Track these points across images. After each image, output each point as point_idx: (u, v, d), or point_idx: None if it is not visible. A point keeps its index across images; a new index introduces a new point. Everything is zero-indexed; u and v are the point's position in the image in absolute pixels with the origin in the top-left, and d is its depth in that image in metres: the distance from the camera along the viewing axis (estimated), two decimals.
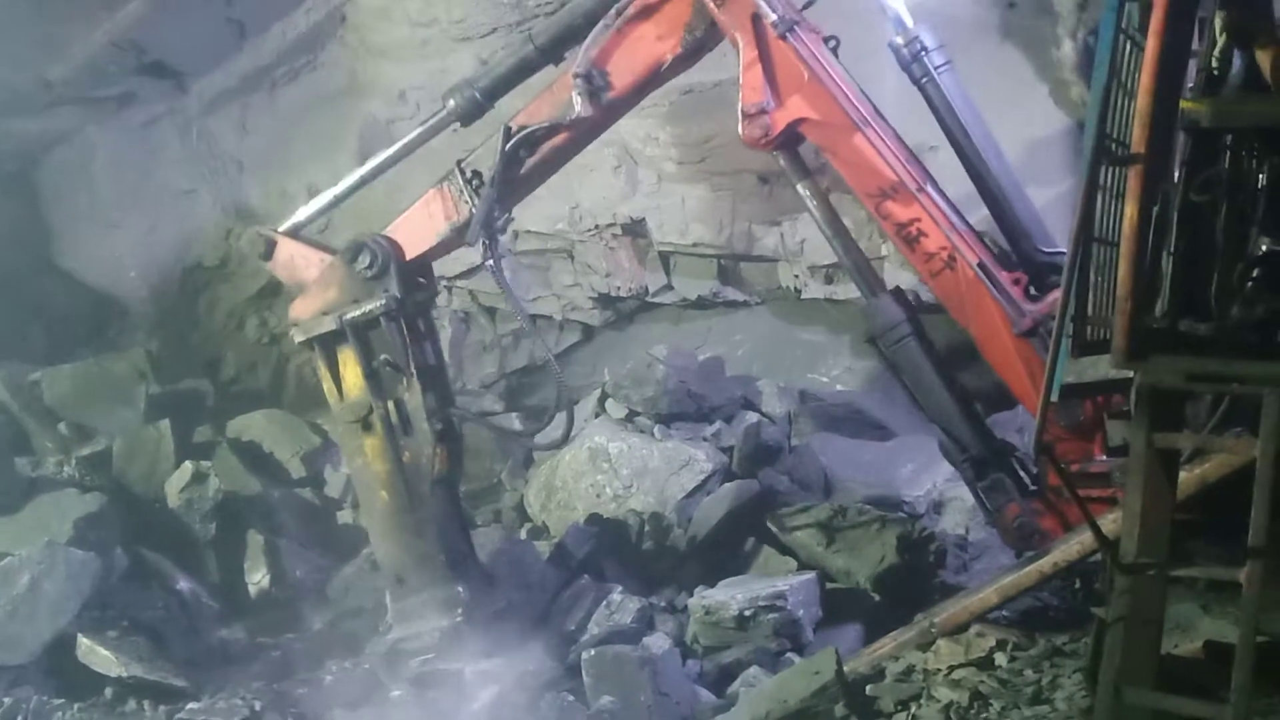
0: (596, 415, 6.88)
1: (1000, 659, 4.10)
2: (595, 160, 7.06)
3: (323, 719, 5.02)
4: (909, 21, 4.80)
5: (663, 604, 5.67)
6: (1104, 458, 4.38)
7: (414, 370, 4.88)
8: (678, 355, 7.13)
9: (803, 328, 7.76)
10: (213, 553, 6.18)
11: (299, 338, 5.07)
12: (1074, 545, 4.15)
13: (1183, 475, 3.39)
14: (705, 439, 6.70)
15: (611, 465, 6.44)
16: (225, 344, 8.24)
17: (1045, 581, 4.32)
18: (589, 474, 6.45)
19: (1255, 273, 3.01)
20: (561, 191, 7.15)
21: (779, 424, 7.04)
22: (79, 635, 5.21)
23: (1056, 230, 4.73)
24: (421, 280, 5.13)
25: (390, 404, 4.92)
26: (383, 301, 4.86)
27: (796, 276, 7.15)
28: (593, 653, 5.04)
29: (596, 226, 7.29)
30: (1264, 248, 3.00)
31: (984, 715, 3.77)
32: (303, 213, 5.26)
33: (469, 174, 4.87)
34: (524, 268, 7.64)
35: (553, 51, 4.82)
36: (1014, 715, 3.72)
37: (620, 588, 5.67)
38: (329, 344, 4.99)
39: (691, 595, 5.58)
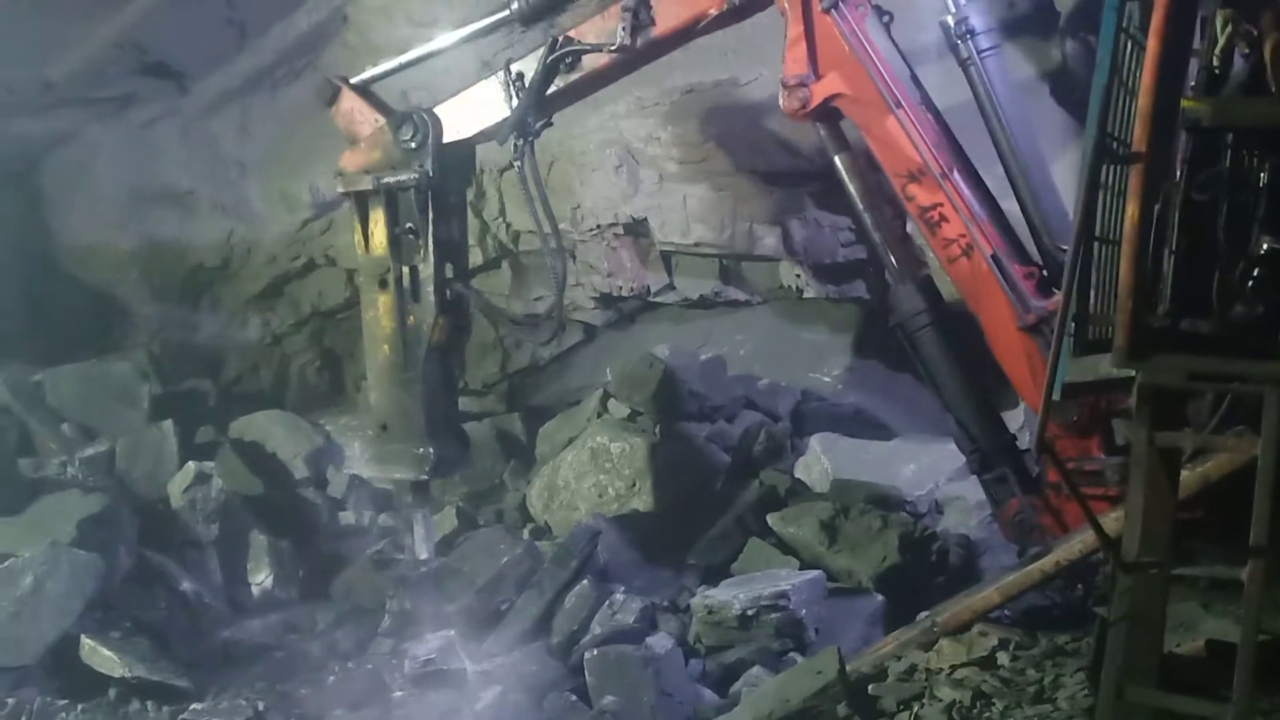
0: (599, 415, 6.87)
1: (1003, 658, 4.10)
2: (597, 160, 7.06)
3: (326, 719, 5.02)
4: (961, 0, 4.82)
5: (665, 604, 5.66)
6: (1101, 456, 4.39)
7: (431, 243, 5.22)
8: (679, 355, 7.14)
9: (805, 327, 7.75)
10: (216, 553, 6.17)
11: (340, 188, 5.49)
12: (1076, 544, 4.15)
13: (1184, 474, 3.40)
14: (707, 439, 6.70)
15: (614, 465, 6.44)
16: (227, 345, 8.24)
17: (1047, 581, 4.32)
18: (591, 474, 6.45)
19: (1256, 271, 3.02)
20: (563, 191, 7.15)
21: (781, 423, 7.05)
22: (82, 636, 5.21)
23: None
24: (459, 165, 5.44)
25: (406, 269, 5.29)
26: (415, 174, 5.19)
27: (798, 276, 7.15)
28: (595, 652, 5.05)
29: (598, 226, 7.28)
30: (1265, 246, 3.00)
31: (986, 714, 3.77)
32: (371, 70, 5.54)
33: (514, 74, 5.11)
34: (527, 268, 7.65)
35: None
36: (1016, 714, 3.72)
37: (623, 587, 5.67)
38: (364, 200, 5.36)
39: (694, 595, 5.59)
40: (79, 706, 5.00)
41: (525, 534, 6.39)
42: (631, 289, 7.52)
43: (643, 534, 6.21)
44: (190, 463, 6.33)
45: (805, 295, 7.22)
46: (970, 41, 4.80)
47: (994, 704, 3.80)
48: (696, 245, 7.14)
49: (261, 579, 6.21)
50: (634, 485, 6.35)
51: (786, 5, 4.71)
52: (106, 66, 7.21)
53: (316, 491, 6.91)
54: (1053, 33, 6.07)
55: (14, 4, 6.55)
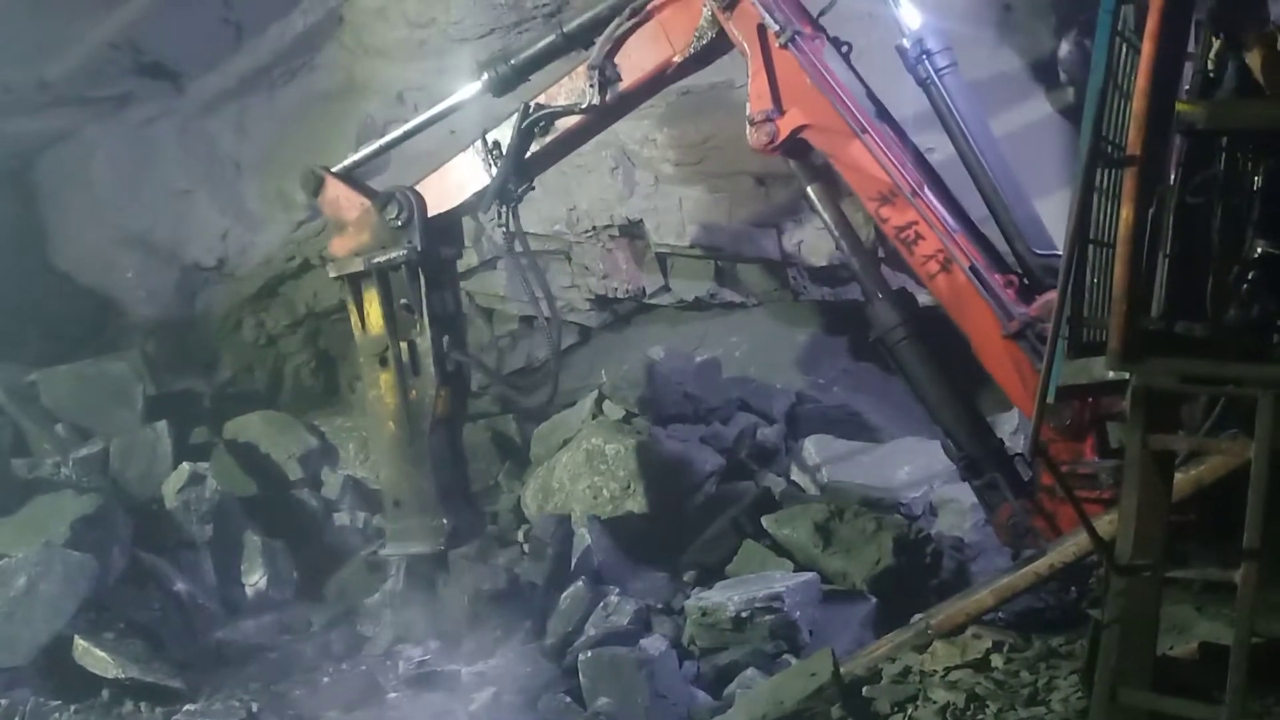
0: (594, 416, 6.88)
1: (996, 660, 4.10)
2: (593, 161, 7.06)
3: None
4: (913, 24, 4.88)
5: (660, 605, 5.67)
6: (1095, 459, 4.40)
7: (427, 316, 5.31)
8: (675, 357, 7.14)
9: (799, 329, 7.76)
10: (210, 554, 6.17)
11: (332, 273, 5.56)
12: (1070, 547, 4.15)
13: (1178, 477, 3.39)
14: (702, 440, 6.70)
15: (609, 467, 6.44)
16: (222, 345, 8.23)
17: (1041, 583, 4.33)
18: (586, 475, 6.45)
19: (1250, 275, 3.02)
20: (559, 193, 7.15)
21: (775, 425, 7.05)
22: (76, 637, 5.20)
23: (1054, 232, 4.76)
24: (447, 236, 5.52)
25: (404, 345, 5.39)
26: (404, 251, 5.29)
27: (794, 279, 7.15)
28: (590, 654, 5.05)
29: (594, 228, 7.29)
30: (1259, 250, 3.01)
31: (980, 717, 3.77)
32: (352, 158, 5.65)
33: (491, 144, 5.21)
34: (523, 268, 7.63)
35: (579, 39, 5.09)
36: (1010, 717, 3.72)
37: (617, 589, 5.67)
38: (357, 282, 5.48)
39: (688, 597, 5.59)
40: (72, 707, 5.00)
41: (520, 535, 6.39)
42: (627, 291, 7.53)
43: (637, 536, 6.21)
44: (184, 463, 6.33)
45: (800, 298, 7.23)
46: (927, 62, 4.86)
47: (988, 706, 3.80)
48: (692, 247, 7.15)
49: (255, 580, 6.21)
50: (628, 487, 6.35)
51: (745, 45, 4.77)
52: (103, 66, 7.20)
53: (310, 492, 6.92)
54: (1048, 39, 6.09)
55: (11, 3, 6.54)
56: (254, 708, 4.95)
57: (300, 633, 5.90)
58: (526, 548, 6.02)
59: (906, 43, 4.89)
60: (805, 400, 7.37)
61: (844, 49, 4.87)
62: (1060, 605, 4.73)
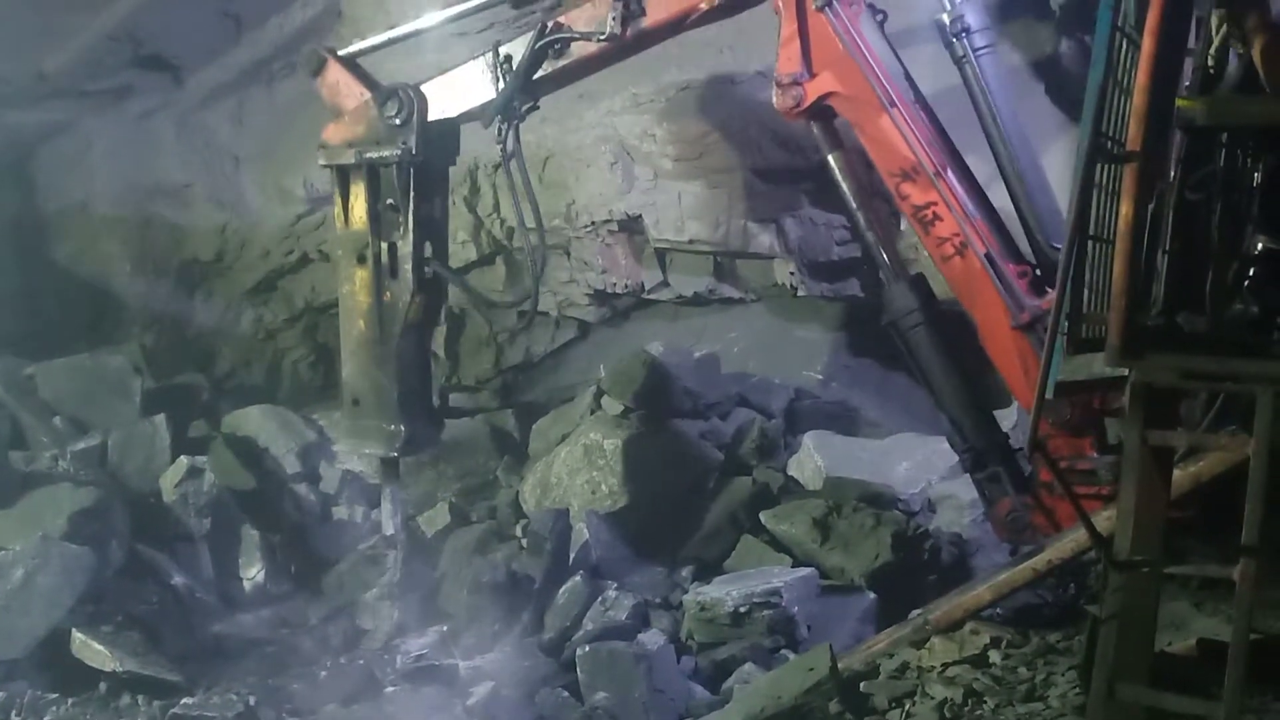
0: (592, 412, 6.87)
1: (994, 656, 4.11)
2: (591, 156, 7.05)
3: (317, 714, 5.02)
4: None
5: (658, 600, 5.67)
6: (1094, 454, 4.39)
7: (412, 220, 5.17)
8: (673, 352, 7.13)
9: (799, 325, 7.76)
10: (207, 547, 6.17)
11: (321, 161, 5.41)
12: (1068, 543, 4.15)
13: (1177, 473, 3.40)
14: (701, 436, 6.70)
15: (607, 462, 6.43)
16: (221, 338, 8.23)
17: (1039, 579, 4.33)
18: (584, 470, 6.44)
19: (1250, 271, 3.02)
20: (558, 187, 7.15)
21: (774, 421, 7.05)
22: (73, 630, 5.20)
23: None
24: (444, 143, 5.36)
25: (385, 245, 5.24)
26: (399, 151, 5.14)
27: (793, 274, 7.15)
28: (587, 649, 5.05)
29: (593, 223, 7.28)
30: (1259, 246, 3.01)
31: (978, 712, 3.77)
32: (359, 44, 5.52)
33: (502, 57, 5.11)
34: (520, 265, 7.64)
35: None
36: (1008, 712, 3.72)
37: (615, 584, 5.67)
38: (345, 174, 5.32)
39: (686, 592, 5.59)
40: (69, 700, 5.00)
41: (518, 530, 6.39)
42: (626, 286, 7.52)
43: (635, 531, 6.21)
44: (182, 457, 6.33)
45: (799, 293, 7.22)
46: (965, 39, 4.81)
47: (985, 702, 3.80)
48: (691, 242, 7.14)
49: (253, 573, 6.21)
50: (627, 482, 6.34)
51: (780, 3, 4.71)
52: (102, 58, 7.19)
53: (308, 486, 6.90)
54: (1048, 30, 6.08)
55: None
56: (251, 701, 4.94)
57: (298, 626, 5.90)
58: (524, 542, 6.02)
59: (946, 17, 4.84)
60: (804, 396, 7.37)
61: (878, 18, 4.75)
62: (1058, 601, 4.73)
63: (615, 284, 7.51)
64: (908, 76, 4.71)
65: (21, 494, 5.87)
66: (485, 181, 7.34)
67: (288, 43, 7.39)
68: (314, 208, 7.67)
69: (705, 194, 6.96)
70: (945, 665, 4.11)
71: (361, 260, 5.29)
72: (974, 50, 4.80)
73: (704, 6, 4.82)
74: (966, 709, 3.79)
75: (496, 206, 7.39)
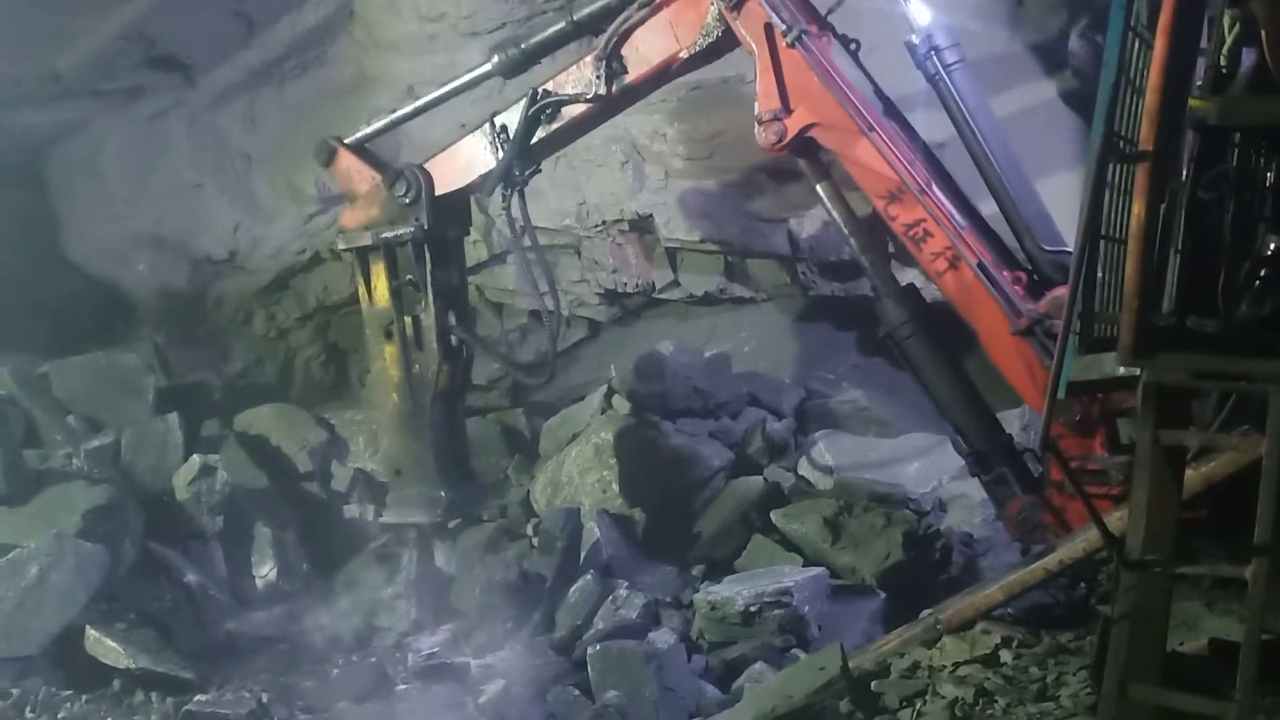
0: (603, 411, 6.88)
1: (1005, 656, 4.10)
2: (603, 156, 7.06)
3: (329, 711, 5.04)
4: (922, 20, 4.89)
5: (668, 599, 5.68)
6: (1105, 454, 4.39)
7: (431, 293, 5.43)
8: (684, 352, 7.14)
9: (809, 324, 7.75)
10: (220, 546, 6.19)
11: (341, 245, 5.70)
12: (1080, 543, 4.15)
13: (1189, 473, 3.39)
14: (711, 435, 6.70)
15: (617, 461, 6.44)
16: (233, 337, 8.26)
17: (1051, 579, 4.32)
18: (595, 469, 6.45)
19: (1262, 270, 3.01)
20: (569, 187, 7.16)
21: (785, 420, 7.05)
22: (87, 627, 5.23)
23: (1064, 227, 4.75)
24: (454, 215, 5.62)
25: (409, 319, 5.52)
26: (412, 228, 5.39)
27: (803, 273, 7.15)
28: (598, 648, 5.06)
29: (604, 222, 7.29)
30: (1271, 246, 3.00)
31: (989, 712, 3.77)
32: (364, 130, 5.72)
33: (499, 127, 5.30)
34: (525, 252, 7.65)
35: (588, 27, 5.16)
36: (1019, 712, 3.72)
37: (626, 583, 5.68)
38: (365, 255, 5.58)
39: (697, 591, 5.59)
40: (83, 697, 5.03)
41: (529, 529, 6.40)
42: (636, 285, 7.53)
43: (646, 530, 6.21)
44: (195, 455, 6.34)
45: (810, 293, 7.22)
46: (936, 58, 4.86)
47: (996, 701, 3.80)
48: (702, 242, 7.14)
49: (266, 571, 6.23)
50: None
51: (753, 44, 4.79)
52: (114, 58, 7.22)
53: (320, 485, 6.92)
54: (1061, 34, 6.07)
55: None
56: (264, 698, 4.97)
57: (310, 624, 5.91)
58: (535, 541, 6.03)
59: (916, 39, 4.90)
60: (814, 395, 7.37)
61: (852, 46, 4.88)
62: (1069, 601, 4.72)
63: (626, 283, 7.52)
64: (885, 98, 4.79)
65: (35, 492, 5.89)
66: None
67: (299, 43, 7.42)
68: (325, 207, 7.69)
69: (716, 193, 6.97)
70: (956, 665, 4.11)
71: (389, 336, 5.55)
72: (945, 67, 4.86)
73: (683, 55, 4.97)
74: (978, 708, 3.79)
75: (506, 206, 7.39)
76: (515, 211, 5.28)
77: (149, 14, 6.97)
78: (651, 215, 7.14)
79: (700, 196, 7.01)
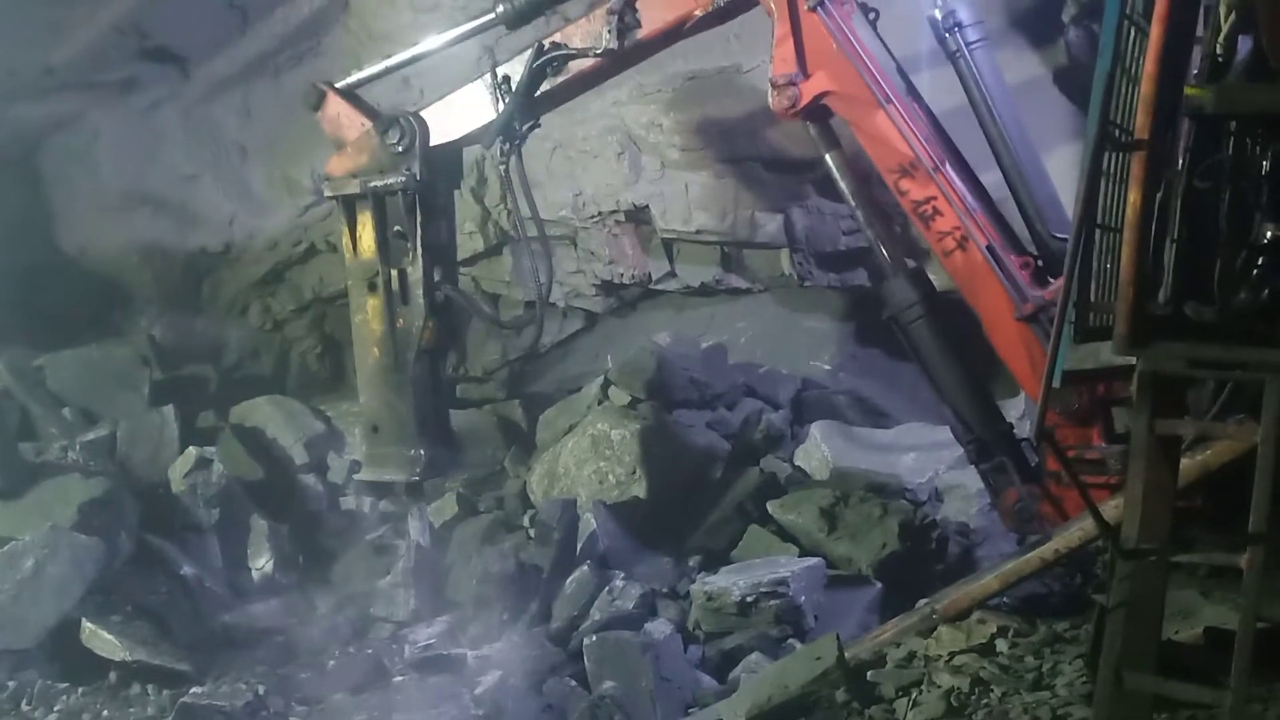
0: (599, 402, 6.88)
1: (1001, 645, 4.11)
2: (598, 147, 7.04)
3: (326, 703, 5.04)
4: None
5: (665, 590, 5.68)
6: (1101, 444, 4.39)
7: (420, 246, 5.24)
8: (681, 342, 7.14)
9: (806, 315, 7.75)
10: (216, 538, 6.19)
11: (327, 192, 5.48)
12: (1075, 532, 4.15)
13: (1184, 462, 3.40)
14: (708, 426, 6.70)
15: (614, 452, 6.44)
16: (229, 330, 8.24)
17: (1047, 568, 4.33)
18: (592, 461, 6.45)
19: (1258, 259, 3.01)
20: (565, 178, 7.14)
21: (781, 411, 7.05)
22: (83, 619, 5.23)
23: (1068, 213, 4.73)
24: (447, 167, 5.45)
25: (395, 272, 5.31)
26: (403, 178, 5.19)
27: (800, 264, 7.14)
28: (595, 638, 5.06)
29: (600, 213, 7.27)
30: (1267, 234, 3.00)
31: (985, 701, 3.77)
32: (356, 75, 5.54)
33: (501, 78, 5.14)
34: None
35: None
36: (1015, 701, 3.73)
37: (622, 574, 5.69)
38: (352, 204, 5.37)
39: (694, 581, 5.60)
40: (79, 689, 5.03)
41: (525, 521, 6.41)
42: (633, 276, 7.52)
43: (642, 521, 6.21)
44: (191, 448, 6.34)
45: (806, 283, 7.21)
46: (958, 34, 4.81)
47: (992, 690, 3.81)
48: (698, 233, 7.13)
49: (262, 563, 6.23)
50: (634, 472, 6.34)
51: (773, 5, 4.71)
52: (108, 50, 7.19)
53: (317, 477, 6.92)
54: (1056, 19, 6.06)
55: None
56: (260, 690, 4.97)
57: (306, 616, 5.91)
58: (532, 532, 6.04)
59: (938, 13, 4.83)
60: (811, 386, 7.37)
61: (871, 16, 4.78)
62: (1065, 590, 4.74)
63: (622, 274, 7.51)
64: (902, 72, 4.73)
65: (31, 484, 5.89)
66: (492, 172, 7.32)
67: (294, 34, 7.39)
68: (321, 199, 7.66)
69: (712, 184, 6.95)
70: (952, 654, 4.11)
71: (372, 288, 5.35)
72: (967, 44, 4.81)
73: (698, 13, 4.85)
74: (973, 698, 3.80)
75: (504, 198, 7.37)
76: (513, 166, 5.14)
77: (143, 6, 6.95)
78: (648, 206, 7.13)
79: (696, 187, 6.99)
